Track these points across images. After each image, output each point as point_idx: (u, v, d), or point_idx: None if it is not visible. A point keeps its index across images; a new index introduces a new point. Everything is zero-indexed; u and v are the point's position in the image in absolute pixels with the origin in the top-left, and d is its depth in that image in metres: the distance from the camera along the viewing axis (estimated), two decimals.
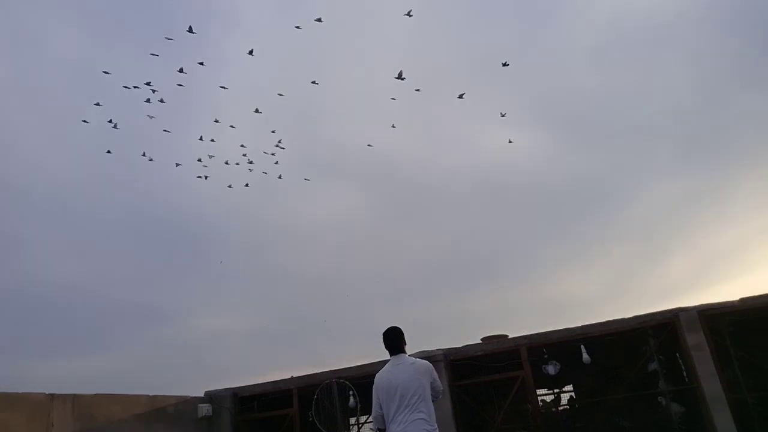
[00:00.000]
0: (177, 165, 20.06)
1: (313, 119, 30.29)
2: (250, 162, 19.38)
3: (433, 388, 4.15)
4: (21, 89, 29.11)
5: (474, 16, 28.28)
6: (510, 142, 20.63)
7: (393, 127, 18.69)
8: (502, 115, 19.40)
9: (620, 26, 26.77)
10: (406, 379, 4.03)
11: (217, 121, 18.73)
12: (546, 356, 9.33)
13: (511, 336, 9.91)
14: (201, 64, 16.49)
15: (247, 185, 20.17)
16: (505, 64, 16.22)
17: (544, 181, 28.57)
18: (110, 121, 16.82)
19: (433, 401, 4.11)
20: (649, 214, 27.50)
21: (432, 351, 9.11)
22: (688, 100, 26.87)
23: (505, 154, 28.65)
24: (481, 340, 10.00)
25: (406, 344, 4.34)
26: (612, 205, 28.94)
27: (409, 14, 14.42)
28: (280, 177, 20.12)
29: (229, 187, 20.47)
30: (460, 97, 16.53)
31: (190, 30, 13.98)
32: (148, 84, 15.81)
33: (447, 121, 29.31)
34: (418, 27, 28.87)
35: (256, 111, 18.15)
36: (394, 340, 4.29)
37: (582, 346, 9.03)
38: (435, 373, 4.25)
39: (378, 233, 30.15)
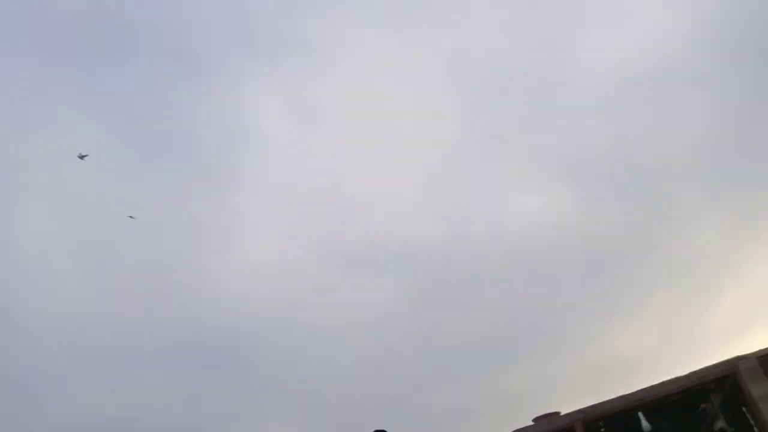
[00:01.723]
0: None
1: (341, 216, 31.08)
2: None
3: None
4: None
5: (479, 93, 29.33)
6: None
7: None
8: None
9: (627, 72, 27.20)
10: None
11: None
12: (603, 430, 8.78)
13: (564, 412, 9.42)
14: None
15: None
16: (81, 157, 16.40)
17: (573, 238, 28.07)
18: None
19: None
20: (690, 255, 26.49)
21: None
22: (706, 133, 26.68)
23: (531, 218, 28.46)
24: (532, 420, 9.53)
25: None
26: (649, 253, 28.04)
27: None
28: None
29: None
30: None
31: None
32: None
33: (468, 197, 29.71)
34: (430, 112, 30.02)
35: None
36: None
37: (640, 414, 8.50)
38: None
39: (415, 321, 29.62)
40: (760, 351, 8.04)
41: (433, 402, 25.77)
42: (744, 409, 8.43)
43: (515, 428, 9.09)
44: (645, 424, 8.44)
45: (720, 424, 8.34)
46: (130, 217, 17.72)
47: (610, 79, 26.90)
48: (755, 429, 8.21)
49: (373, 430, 3.95)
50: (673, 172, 27.11)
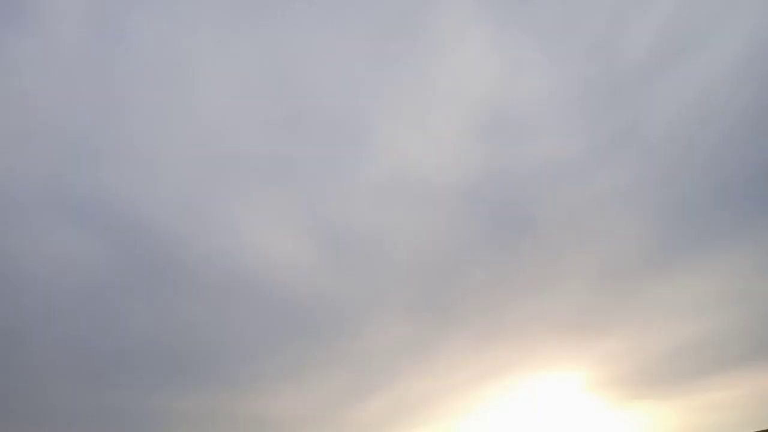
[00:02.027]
0: None
1: (82, 157, 27.28)
2: None
3: None
4: None
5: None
6: None
7: None
8: None
9: (400, 180, 30.35)
10: None
11: None
12: None
13: None
14: None
15: None
16: None
17: (296, 290, 29.43)
18: None
19: None
20: (373, 350, 29.87)
21: None
22: (432, 257, 30.87)
23: (268, 255, 29.04)
24: None
25: None
26: (344, 333, 30.92)
27: None
28: None
29: None
30: None
31: None
32: None
33: (223, 208, 29.08)
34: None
35: None
36: None
37: None
38: None
39: (109, 299, 27.06)
40: None
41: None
42: None
43: None
44: None
45: None
46: None
47: (392, 181, 29.84)
48: None
49: None
50: (399, 276, 30.61)
